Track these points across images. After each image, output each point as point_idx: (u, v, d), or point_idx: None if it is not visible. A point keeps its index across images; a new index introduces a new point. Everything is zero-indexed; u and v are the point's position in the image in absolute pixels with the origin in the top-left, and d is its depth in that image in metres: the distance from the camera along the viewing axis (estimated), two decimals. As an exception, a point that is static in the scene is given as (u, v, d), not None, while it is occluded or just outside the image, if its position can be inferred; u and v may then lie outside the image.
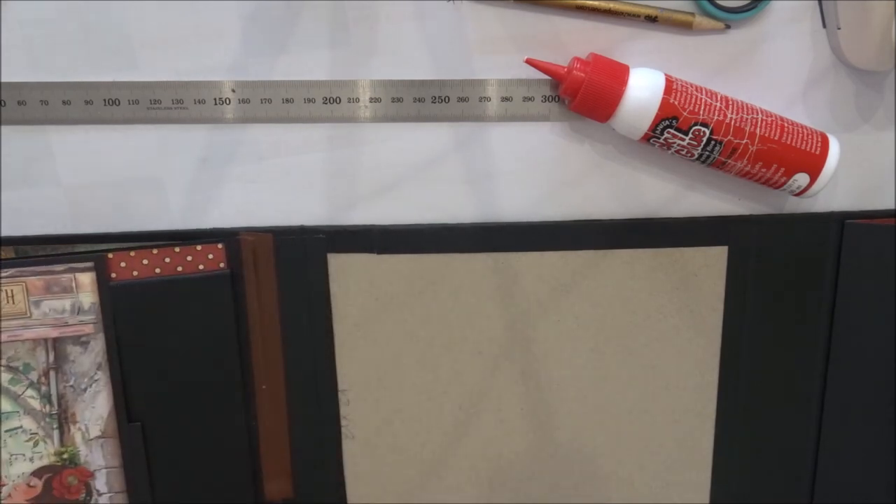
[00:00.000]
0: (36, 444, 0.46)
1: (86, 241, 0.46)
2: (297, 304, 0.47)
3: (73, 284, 0.45)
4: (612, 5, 0.44)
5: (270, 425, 0.48)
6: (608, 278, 0.48)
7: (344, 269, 0.47)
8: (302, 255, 0.47)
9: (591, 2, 0.44)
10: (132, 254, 0.45)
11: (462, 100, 0.45)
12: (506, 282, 0.48)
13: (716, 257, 0.48)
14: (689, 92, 0.42)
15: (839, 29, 0.44)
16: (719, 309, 0.48)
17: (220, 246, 0.46)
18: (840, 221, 0.47)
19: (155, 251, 0.45)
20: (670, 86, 0.42)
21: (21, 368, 0.45)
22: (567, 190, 0.47)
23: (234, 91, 0.45)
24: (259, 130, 0.46)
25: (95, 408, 0.46)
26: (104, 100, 0.44)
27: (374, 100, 0.45)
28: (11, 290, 0.44)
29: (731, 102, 0.43)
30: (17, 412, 0.46)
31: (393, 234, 0.47)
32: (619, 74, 0.42)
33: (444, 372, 0.49)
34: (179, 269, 0.46)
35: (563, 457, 0.51)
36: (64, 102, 0.44)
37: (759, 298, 0.48)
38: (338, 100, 0.45)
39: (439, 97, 0.45)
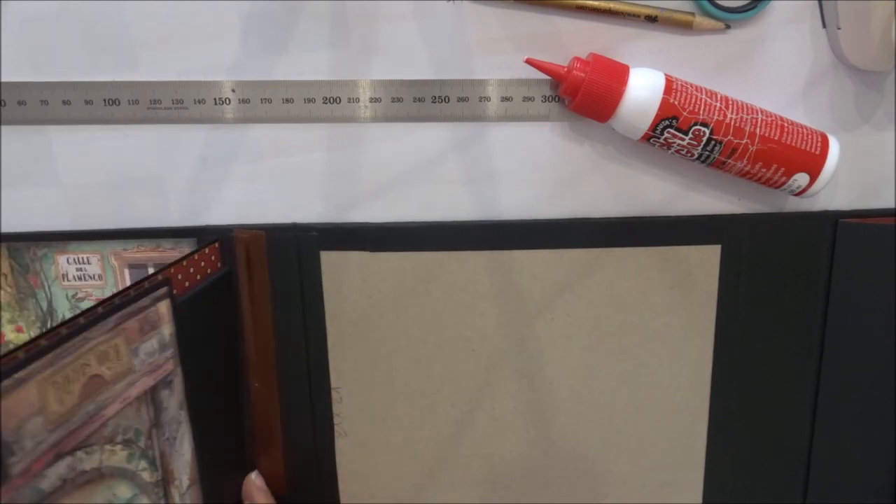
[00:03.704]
0: None
1: (84, 237, 0.46)
2: (289, 301, 0.47)
3: (157, 317, 0.39)
4: (612, 5, 0.44)
5: (263, 423, 0.49)
6: (602, 277, 0.48)
7: (337, 267, 0.47)
8: (295, 252, 0.47)
9: (591, 2, 0.43)
10: (172, 270, 0.42)
11: (462, 100, 0.45)
12: (500, 280, 0.48)
13: (709, 256, 0.48)
14: (689, 92, 0.42)
15: (839, 29, 0.44)
16: (713, 307, 0.49)
17: (216, 245, 0.46)
18: (833, 221, 0.47)
19: (173, 269, 0.42)
20: (670, 86, 0.42)
21: (133, 438, 0.38)
22: (567, 190, 0.47)
23: (234, 91, 0.45)
24: (259, 130, 0.46)
25: (184, 455, 0.41)
26: (104, 100, 0.44)
27: (374, 100, 0.45)
28: (116, 346, 0.36)
29: (731, 102, 0.43)
30: (135, 493, 0.39)
31: (386, 232, 0.47)
32: (618, 74, 0.42)
33: (437, 370, 0.49)
34: (199, 277, 0.44)
35: (557, 455, 0.51)
36: (64, 102, 0.44)
37: (752, 297, 0.48)
38: (338, 100, 0.45)
39: (439, 97, 0.45)
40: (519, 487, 0.51)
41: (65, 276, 0.46)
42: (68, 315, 0.47)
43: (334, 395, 0.49)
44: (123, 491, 0.37)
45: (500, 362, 0.49)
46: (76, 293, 0.47)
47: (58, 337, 0.33)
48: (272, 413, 0.48)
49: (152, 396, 0.39)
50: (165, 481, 0.40)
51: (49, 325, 0.47)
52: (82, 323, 0.34)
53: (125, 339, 0.37)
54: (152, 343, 0.39)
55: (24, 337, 0.48)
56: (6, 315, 0.47)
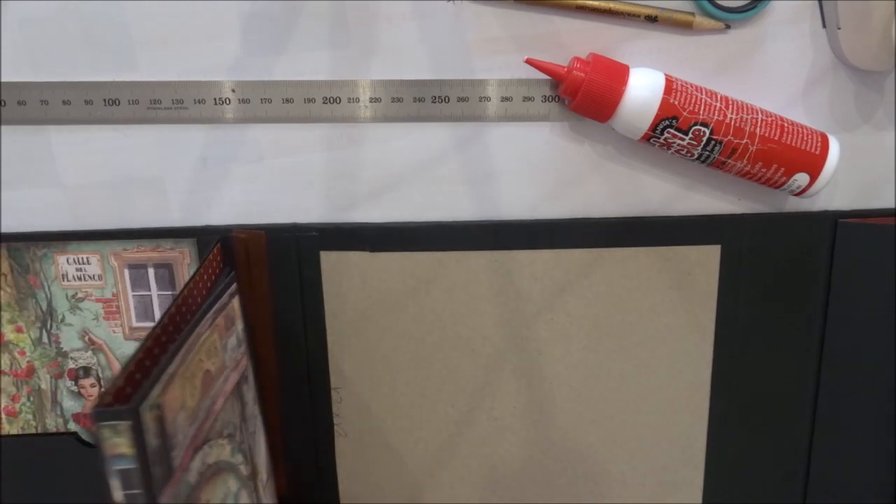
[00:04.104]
0: None
1: (84, 237, 0.46)
2: (289, 301, 0.47)
3: (234, 313, 0.39)
4: (612, 5, 0.44)
5: (263, 422, 0.48)
6: (602, 277, 0.48)
7: (337, 267, 0.47)
8: (295, 252, 0.47)
9: (591, 2, 0.43)
10: (201, 271, 0.41)
11: (462, 100, 0.45)
12: (500, 280, 0.48)
13: (709, 256, 0.48)
14: (689, 92, 0.42)
15: (839, 29, 0.44)
16: (712, 307, 0.49)
17: (218, 245, 0.46)
18: (833, 220, 0.47)
19: (201, 271, 0.41)
20: (670, 86, 0.42)
21: (233, 432, 0.37)
22: (567, 190, 0.47)
23: (234, 91, 0.45)
24: (259, 130, 0.46)
25: (261, 448, 0.40)
26: (104, 100, 0.44)
27: (374, 100, 0.45)
28: (214, 341, 0.36)
29: (731, 102, 0.43)
30: (239, 487, 0.38)
31: (386, 232, 0.47)
32: (618, 74, 0.42)
33: (437, 370, 0.49)
34: (214, 278, 0.44)
35: (557, 455, 0.51)
36: (64, 102, 0.44)
37: (752, 297, 0.48)
38: (338, 100, 0.45)
39: (439, 97, 0.45)
40: (519, 487, 0.51)
41: (64, 276, 0.46)
42: (68, 315, 0.47)
43: (334, 395, 0.49)
44: (232, 485, 0.37)
45: (500, 362, 0.49)
46: (76, 293, 0.47)
47: (182, 334, 0.33)
48: (272, 413, 0.48)
49: (238, 391, 0.39)
50: (253, 475, 0.40)
51: (49, 326, 0.47)
52: (193, 319, 0.34)
53: (219, 335, 0.37)
54: (233, 339, 0.39)
55: (24, 337, 0.48)
56: (6, 315, 0.47)
